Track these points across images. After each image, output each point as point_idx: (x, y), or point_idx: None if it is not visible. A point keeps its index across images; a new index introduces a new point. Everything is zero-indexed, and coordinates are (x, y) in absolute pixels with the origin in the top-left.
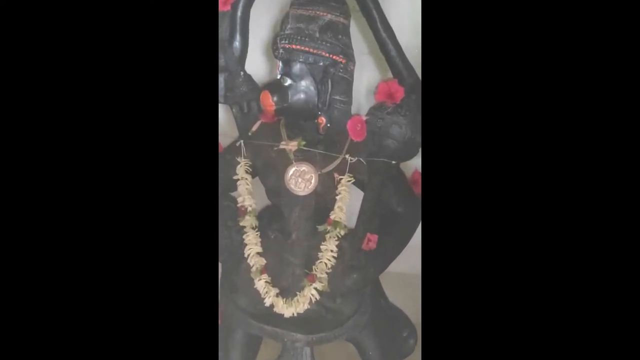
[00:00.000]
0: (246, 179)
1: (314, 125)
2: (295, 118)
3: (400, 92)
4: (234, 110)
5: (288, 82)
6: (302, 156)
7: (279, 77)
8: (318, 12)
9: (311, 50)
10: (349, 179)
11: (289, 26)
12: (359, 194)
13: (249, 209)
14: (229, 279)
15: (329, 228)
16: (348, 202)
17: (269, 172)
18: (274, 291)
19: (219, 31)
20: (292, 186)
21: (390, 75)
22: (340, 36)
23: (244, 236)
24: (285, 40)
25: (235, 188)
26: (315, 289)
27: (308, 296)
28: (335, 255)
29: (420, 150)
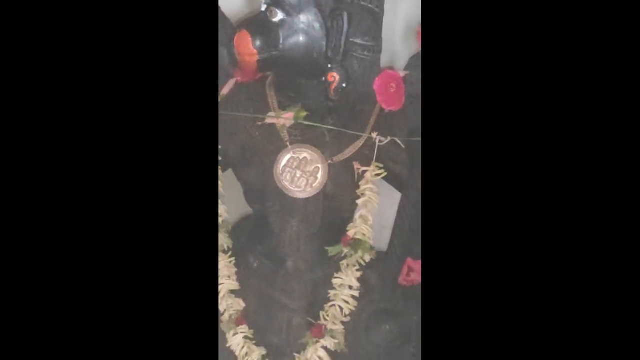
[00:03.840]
0: None
1: (320, 86)
2: (291, 74)
3: None
4: None
5: (279, 15)
6: (303, 136)
7: (263, 7)
8: None
9: None
10: (378, 172)
11: None
12: (394, 196)
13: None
14: None
15: (345, 251)
16: (376, 209)
17: (250, 161)
18: (258, 352)
19: None
20: (287, 184)
21: None
22: None
23: None
24: None
25: None
26: (325, 348)
27: None
28: (357, 294)
29: None
